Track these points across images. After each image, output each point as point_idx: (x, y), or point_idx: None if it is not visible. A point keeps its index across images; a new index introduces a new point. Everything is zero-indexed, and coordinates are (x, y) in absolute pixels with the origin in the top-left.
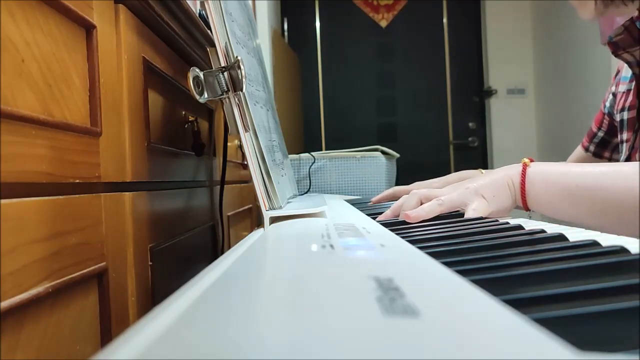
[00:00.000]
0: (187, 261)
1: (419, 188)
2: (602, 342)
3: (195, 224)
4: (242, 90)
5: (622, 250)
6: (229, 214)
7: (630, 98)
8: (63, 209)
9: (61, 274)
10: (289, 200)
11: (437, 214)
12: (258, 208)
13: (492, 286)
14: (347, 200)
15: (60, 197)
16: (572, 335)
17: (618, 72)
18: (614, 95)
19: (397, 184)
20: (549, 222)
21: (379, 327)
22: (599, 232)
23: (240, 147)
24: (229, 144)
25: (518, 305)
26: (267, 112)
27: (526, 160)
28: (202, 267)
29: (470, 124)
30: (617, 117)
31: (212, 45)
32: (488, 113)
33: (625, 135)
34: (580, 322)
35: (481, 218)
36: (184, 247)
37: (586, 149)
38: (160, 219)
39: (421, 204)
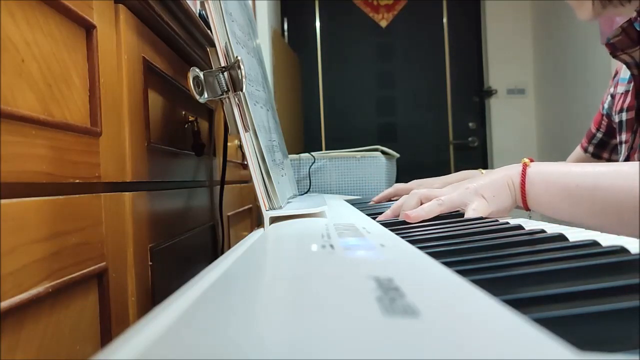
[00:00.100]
0: (187, 261)
1: (419, 185)
2: (602, 342)
3: (195, 224)
4: (242, 90)
5: (622, 250)
6: (229, 214)
7: (628, 99)
8: (63, 209)
9: (61, 274)
10: (289, 200)
11: (437, 214)
12: (258, 208)
13: (492, 286)
14: (347, 200)
15: (60, 197)
16: (572, 335)
17: (616, 73)
18: (613, 96)
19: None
20: (549, 222)
21: (379, 327)
22: (599, 232)
23: (240, 147)
24: (229, 144)
25: (518, 305)
26: (267, 112)
27: (526, 160)
28: (202, 267)
29: (470, 124)
30: (616, 119)
31: (212, 45)
32: (488, 113)
33: (624, 137)
34: (580, 322)
35: (481, 218)
36: (184, 247)
37: (585, 150)
38: (160, 219)
39: (421, 204)
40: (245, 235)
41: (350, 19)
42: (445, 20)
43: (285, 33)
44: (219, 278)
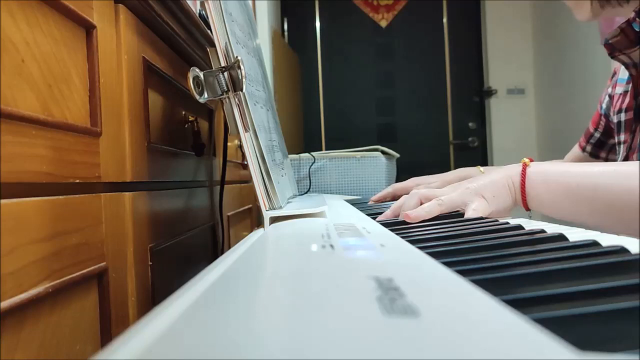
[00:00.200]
0: (187, 261)
1: (417, 184)
2: (602, 342)
3: (195, 224)
4: (242, 90)
5: (622, 250)
6: (229, 214)
7: (627, 100)
8: (63, 209)
9: (61, 274)
10: (289, 200)
11: (437, 214)
12: (258, 208)
13: (492, 286)
14: (347, 200)
15: (60, 197)
16: (572, 335)
17: (614, 73)
18: (610, 97)
19: None
20: (549, 222)
21: (379, 327)
22: (599, 232)
23: (240, 147)
24: (229, 144)
25: (518, 305)
26: (267, 112)
27: (526, 160)
28: (202, 267)
29: (470, 124)
30: (615, 119)
31: (212, 45)
32: (488, 113)
33: (622, 137)
34: (580, 322)
35: (481, 218)
36: (184, 247)
37: (583, 149)
38: (160, 219)
39: (421, 204)
40: (245, 235)
41: (350, 19)
42: (445, 20)
43: (285, 33)
44: (219, 278)
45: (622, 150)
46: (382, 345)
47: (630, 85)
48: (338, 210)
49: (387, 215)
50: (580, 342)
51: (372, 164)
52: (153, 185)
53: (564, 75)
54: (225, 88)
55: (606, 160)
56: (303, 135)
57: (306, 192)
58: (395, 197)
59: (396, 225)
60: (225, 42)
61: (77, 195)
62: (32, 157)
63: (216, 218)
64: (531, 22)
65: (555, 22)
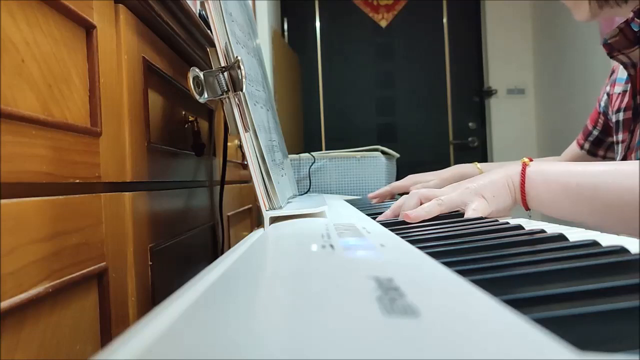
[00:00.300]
0: (187, 261)
1: (415, 181)
2: (602, 342)
3: (195, 224)
4: (242, 90)
5: (622, 250)
6: (229, 214)
7: (626, 99)
8: (63, 209)
9: (61, 274)
10: (289, 200)
11: (437, 214)
12: (258, 208)
13: (492, 286)
14: (347, 200)
15: (60, 197)
16: (572, 335)
17: (613, 72)
18: (609, 95)
19: None
20: (549, 222)
21: (379, 327)
22: (599, 232)
23: (240, 147)
24: (229, 144)
25: (518, 305)
26: (267, 112)
27: (525, 159)
28: (202, 267)
29: (470, 124)
30: (613, 118)
31: (212, 45)
32: (488, 113)
33: (621, 136)
34: (580, 322)
35: (481, 218)
36: (184, 247)
37: (581, 147)
38: (160, 219)
39: (421, 204)
40: (245, 235)
41: (350, 19)
42: (445, 20)
43: (285, 33)
44: (219, 278)
45: (620, 149)
46: (382, 345)
47: (629, 85)
48: (338, 210)
49: (387, 215)
50: (580, 342)
51: (372, 164)
52: (153, 185)
53: (564, 75)
54: (225, 88)
55: (604, 158)
56: (303, 135)
57: (306, 192)
58: (393, 196)
59: (396, 225)
60: (225, 42)
61: (77, 195)
62: (32, 157)
63: (216, 218)
64: (531, 22)
65: (555, 22)
